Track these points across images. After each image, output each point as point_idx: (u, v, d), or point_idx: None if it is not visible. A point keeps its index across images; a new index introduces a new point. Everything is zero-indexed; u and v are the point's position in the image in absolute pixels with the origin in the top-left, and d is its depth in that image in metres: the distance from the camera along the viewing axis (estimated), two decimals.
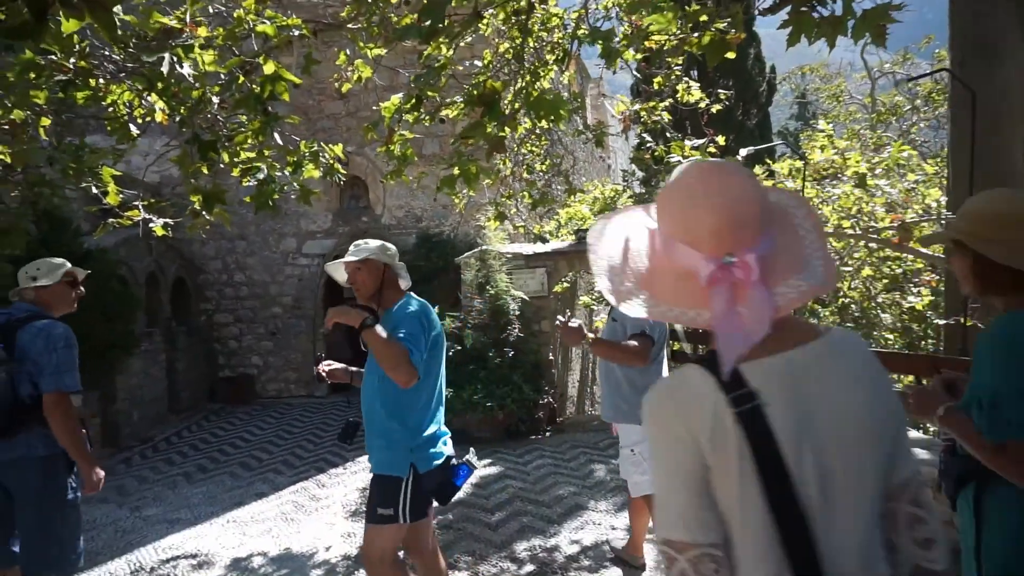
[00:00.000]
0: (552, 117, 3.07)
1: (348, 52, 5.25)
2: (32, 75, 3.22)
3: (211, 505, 5.67)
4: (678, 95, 6.45)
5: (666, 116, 6.38)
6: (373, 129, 4.80)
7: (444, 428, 2.85)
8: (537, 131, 4.84)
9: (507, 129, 3.08)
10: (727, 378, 1.01)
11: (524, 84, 3.09)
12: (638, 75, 6.64)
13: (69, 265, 3.16)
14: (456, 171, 3.08)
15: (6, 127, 3.40)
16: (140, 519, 5.42)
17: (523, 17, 5.40)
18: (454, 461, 2.79)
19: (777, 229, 1.06)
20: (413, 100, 2.92)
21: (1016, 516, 1.67)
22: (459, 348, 7.46)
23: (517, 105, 2.99)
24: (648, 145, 5.31)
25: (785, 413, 0.99)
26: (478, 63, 5.40)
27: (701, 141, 3.82)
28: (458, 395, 7.09)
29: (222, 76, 3.83)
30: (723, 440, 0.99)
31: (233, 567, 4.37)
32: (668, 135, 6.20)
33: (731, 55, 3.10)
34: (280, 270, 10.85)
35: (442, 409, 2.87)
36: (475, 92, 4.63)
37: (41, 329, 2.94)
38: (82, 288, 3.26)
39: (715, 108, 6.60)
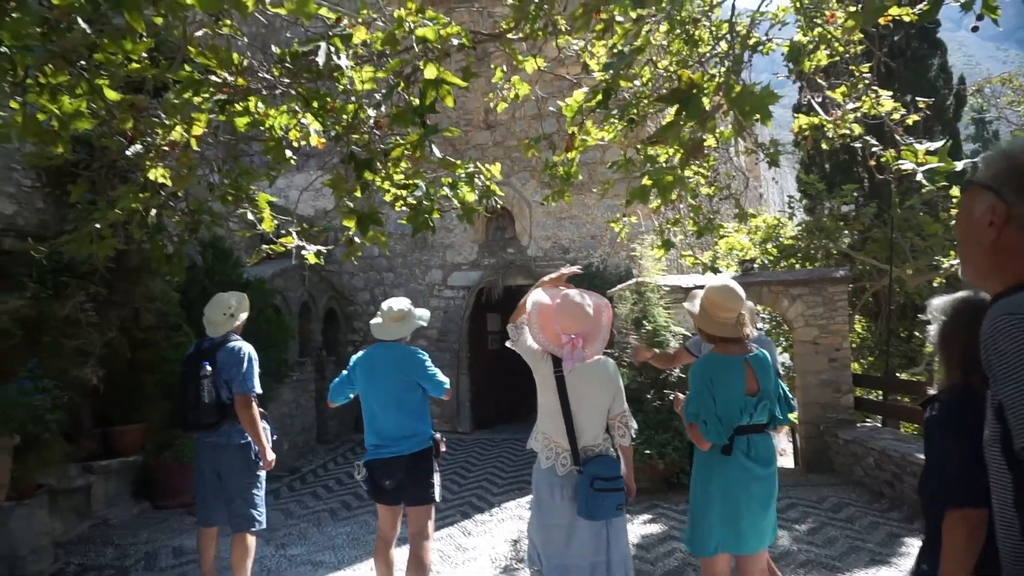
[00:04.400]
0: (758, 115, 2.50)
1: (504, 68, 4.92)
2: (191, 94, 3.08)
3: (355, 548, 5.39)
4: (862, 107, 5.67)
5: (856, 129, 5.58)
6: (534, 145, 4.41)
7: (375, 439, 3.77)
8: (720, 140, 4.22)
9: (708, 131, 2.53)
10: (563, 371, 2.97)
11: (724, 76, 2.52)
12: (821, 82, 5.90)
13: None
14: (647, 181, 2.56)
15: (166, 148, 3.29)
16: (285, 558, 5.23)
17: (688, 28, 4.85)
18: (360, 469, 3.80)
19: (592, 323, 2.95)
20: (600, 95, 2.45)
21: (697, 460, 3.13)
22: None
23: (717, 100, 2.44)
24: (875, 150, 4.55)
25: (570, 378, 2.93)
26: (636, 83, 4.89)
27: (939, 144, 3.08)
28: None
29: (377, 96, 3.60)
30: (550, 380, 2.98)
31: None
32: (857, 149, 5.39)
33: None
34: (426, 302, 10.72)
35: (375, 424, 3.79)
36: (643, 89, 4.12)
37: (233, 348, 4.00)
38: None
39: (911, 119, 5.74)
